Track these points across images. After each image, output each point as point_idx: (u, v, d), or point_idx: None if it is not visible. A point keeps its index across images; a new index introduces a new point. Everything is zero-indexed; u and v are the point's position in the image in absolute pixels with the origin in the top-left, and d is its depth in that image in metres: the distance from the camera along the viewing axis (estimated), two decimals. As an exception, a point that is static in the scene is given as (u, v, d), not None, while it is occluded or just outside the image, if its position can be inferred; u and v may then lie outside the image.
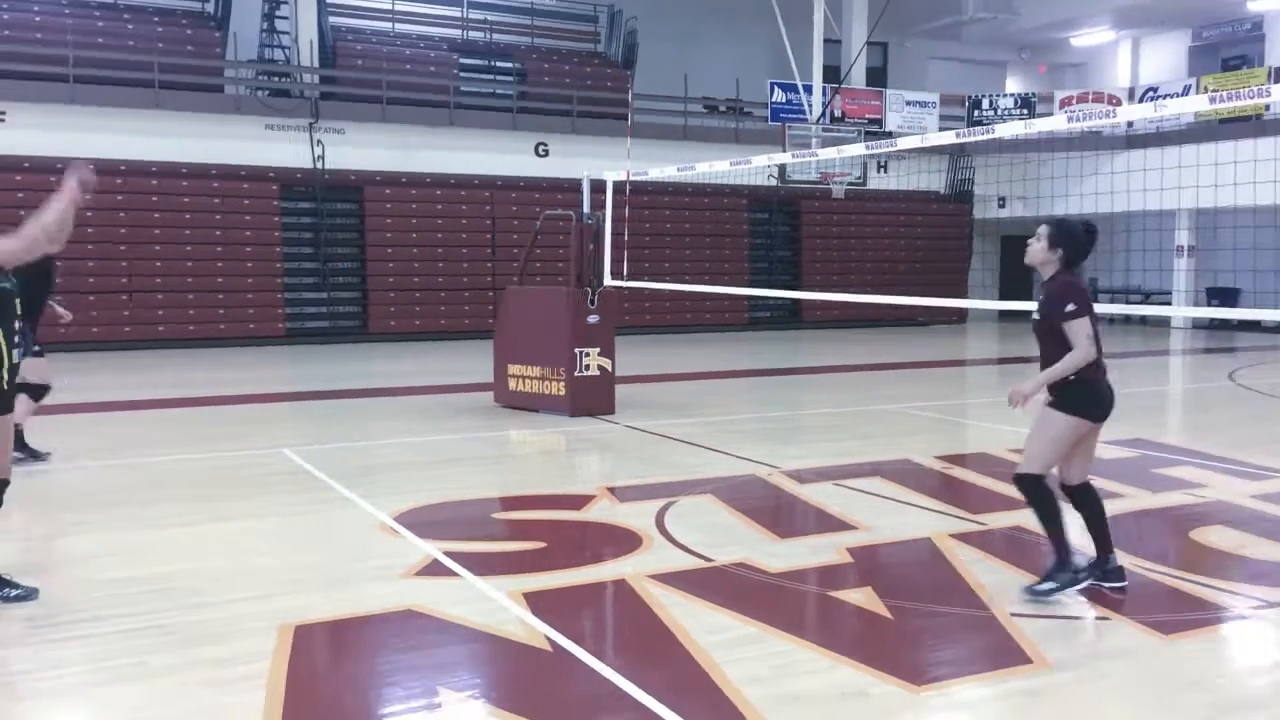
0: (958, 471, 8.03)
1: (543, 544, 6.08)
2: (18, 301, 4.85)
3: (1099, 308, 4.99)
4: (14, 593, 4.84)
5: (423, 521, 6.34)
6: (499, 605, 4.83)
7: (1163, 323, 24.47)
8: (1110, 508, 6.76)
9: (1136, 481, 7.57)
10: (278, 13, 21.38)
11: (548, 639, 4.41)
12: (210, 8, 21.46)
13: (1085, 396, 4.85)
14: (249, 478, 7.77)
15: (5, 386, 4.78)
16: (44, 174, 17.42)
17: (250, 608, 4.79)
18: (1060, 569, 4.96)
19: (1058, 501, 5.00)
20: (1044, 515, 4.99)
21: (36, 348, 7.48)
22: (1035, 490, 4.97)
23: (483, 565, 5.44)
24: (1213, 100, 5.92)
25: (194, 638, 4.42)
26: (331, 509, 6.80)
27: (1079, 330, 4.73)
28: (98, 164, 17.66)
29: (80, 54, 18.12)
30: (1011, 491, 7.15)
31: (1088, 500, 5.05)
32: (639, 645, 4.47)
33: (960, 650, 4.38)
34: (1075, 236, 4.90)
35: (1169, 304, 22.73)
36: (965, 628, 4.63)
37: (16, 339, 4.83)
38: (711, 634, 4.46)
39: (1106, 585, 5.01)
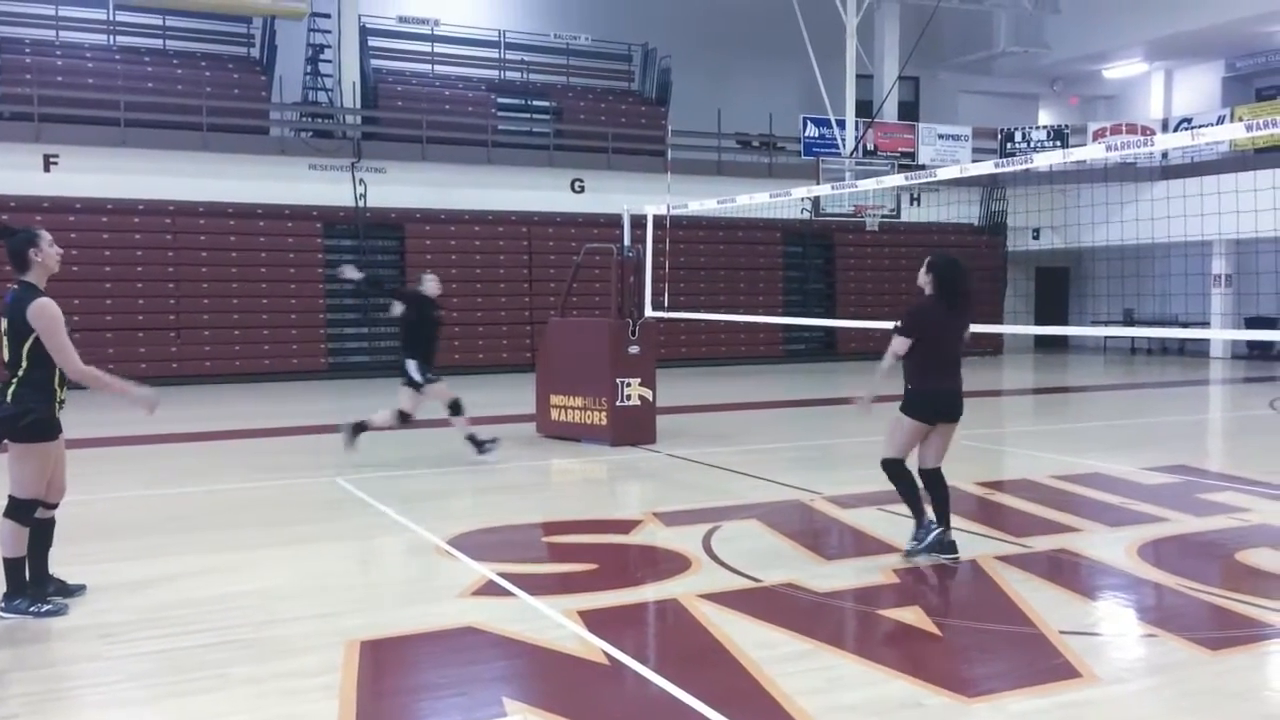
0: (999, 496, 8.10)
1: (594, 566, 6.22)
2: None
3: (1132, 331, 5.17)
4: (44, 607, 5.13)
5: (475, 545, 6.50)
6: (555, 622, 4.97)
7: (1201, 352, 24.31)
8: (1154, 531, 6.89)
9: (1180, 506, 7.62)
10: (321, 56, 21.88)
11: (604, 653, 4.55)
12: (256, 52, 22.02)
13: (917, 402, 6.12)
14: (306, 504, 7.99)
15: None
16: (95, 215, 17.95)
17: (318, 625, 4.97)
18: (920, 530, 6.06)
19: (912, 479, 6.11)
20: (901, 490, 6.14)
21: None
22: (894, 471, 6.11)
23: (537, 586, 5.59)
24: (1249, 128, 6.03)
25: (268, 652, 4.60)
26: (387, 534, 6.99)
27: (891, 345, 6.05)
28: (147, 205, 18.36)
29: (130, 99, 18.63)
30: (1056, 516, 7.30)
31: (933, 483, 6.13)
32: (693, 658, 4.59)
33: (1010, 665, 4.48)
34: (940, 265, 6.38)
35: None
36: (1014, 644, 4.72)
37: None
38: (764, 649, 4.58)
39: (944, 556, 6.00)
